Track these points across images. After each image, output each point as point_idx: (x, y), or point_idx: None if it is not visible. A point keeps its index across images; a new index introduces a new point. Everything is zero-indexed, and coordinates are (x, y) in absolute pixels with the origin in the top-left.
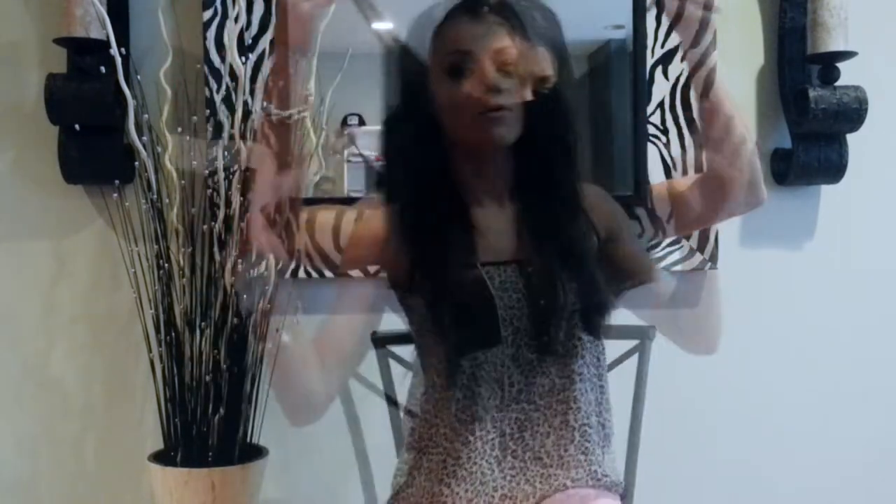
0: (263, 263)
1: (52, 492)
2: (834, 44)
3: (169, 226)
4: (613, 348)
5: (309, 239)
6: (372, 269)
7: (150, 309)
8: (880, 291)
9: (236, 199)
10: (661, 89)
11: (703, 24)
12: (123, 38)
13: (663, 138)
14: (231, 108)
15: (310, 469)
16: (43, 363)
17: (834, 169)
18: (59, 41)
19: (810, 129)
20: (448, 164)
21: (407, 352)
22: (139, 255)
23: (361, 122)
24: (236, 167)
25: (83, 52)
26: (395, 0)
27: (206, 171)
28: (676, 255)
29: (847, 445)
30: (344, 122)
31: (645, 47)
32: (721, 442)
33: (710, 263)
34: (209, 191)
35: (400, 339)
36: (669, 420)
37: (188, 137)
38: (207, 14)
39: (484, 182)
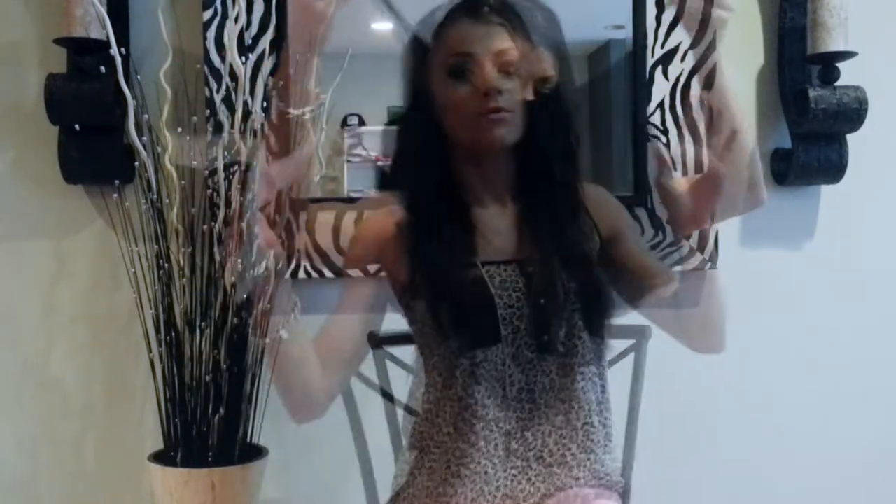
0: (263, 263)
1: (52, 492)
2: (834, 44)
3: (169, 226)
4: (609, 347)
5: (309, 238)
6: (372, 268)
7: (150, 309)
8: (880, 291)
9: (236, 199)
10: (661, 89)
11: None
12: (123, 38)
13: (663, 138)
14: (231, 108)
15: (310, 469)
16: (43, 363)
17: (834, 169)
18: (59, 41)
19: (810, 129)
20: (450, 165)
21: (402, 352)
22: (139, 255)
23: (361, 122)
24: (236, 167)
25: (83, 52)
26: (396, 0)
27: (206, 171)
28: (676, 256)
29: (847, 445)
30: (344, 123)
31: (645, 47)
32: (721, 442)
33: (709, 263)
34: (209, 191)
35: (396, 339)
36: (669, 420)
37: (188, 137)
38: (207, 14)
39: (485, 182)
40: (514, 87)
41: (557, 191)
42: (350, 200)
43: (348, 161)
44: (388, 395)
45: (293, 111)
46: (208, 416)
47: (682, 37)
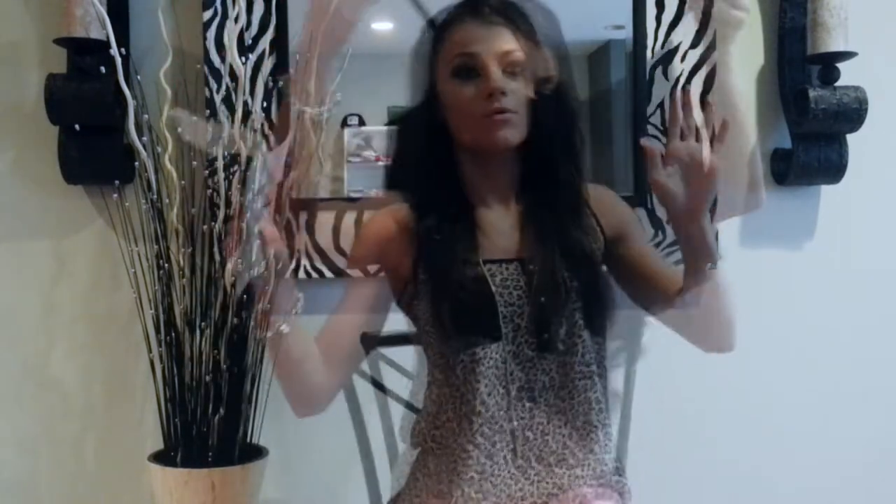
0: (263, 263)
1: (52, 492)
2: (834, 44)
3: (169, 226)
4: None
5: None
6: (373, 268)
7: (150, 309)
8: (880, 291)
9: (236, 199)
10: (661, 89)
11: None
12: (123, 38)
13: (663, 139)
14: (231, 108)
15: (310, 469)
16: (43, 363)
17: (834, 169)
18: (59, 41)
19: (810, 129)
20: (454, 164)
21: (394, 353)
22: (139, 255)
23: (361, 123)
24: (236, 167)
25: (83, 52)
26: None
27: (206, 172)
28: (677, 255)
29: (847, 445)
30: (344, 123)
31: (645, 47)
32: (721, 441)
33: (709, 263)
34: (209, 191)
35: (390, 340)
36: (669, 420)
37: (188, 137)
38: (207, 14)
39: (490, 182)
40: (518, 88)
41: (561, 190)
42: (350, 200)
43: (349, 161)
44: (379, 386)
45: (310, 110)
46: (208, 416)
47: (682, 37)
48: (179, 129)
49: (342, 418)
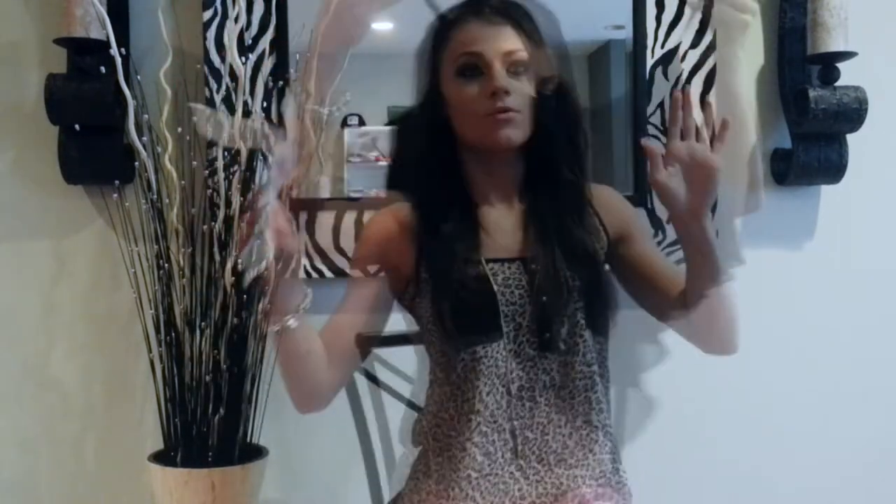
0: (263, 263)
1: (52, 492)
2: (834, 44)
3: (169, 226)
4: None
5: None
6: (374, 268)
7: (150, 309)
8: (880, 291)
9: (236, 199)
10: (661, 89)
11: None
12: (123, 38)
13: (663, 138)
14: (231, 108)
15: (310, 469)
16: (43, 363)
17: (834, 169)
18: (59, 41)
19: (810, 129)
20: (458, 163)
21: (392, 353)
22: (139, 255)
23: (361, 123)
24: (236, 167)
25: (83, 52)
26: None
27: (206, 172)
28: (678, 255)
29: (847, 445)
30: (344, 123)
31: (645, 47)
32: (721, 442)
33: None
34: (209, 191)
35: (390, 340)
36: (669, 420)
37: (188, 137)
38: (207, 14)
39: (493, 181)
40: (522, 87)
41: (564, 190)
42: (351, 200)
43: (349, 161)
44: (372, 378)
45: (321, 109)
46: (208, 416)
47: (682, 37)
48: (195, 119)
49: (342, 418)
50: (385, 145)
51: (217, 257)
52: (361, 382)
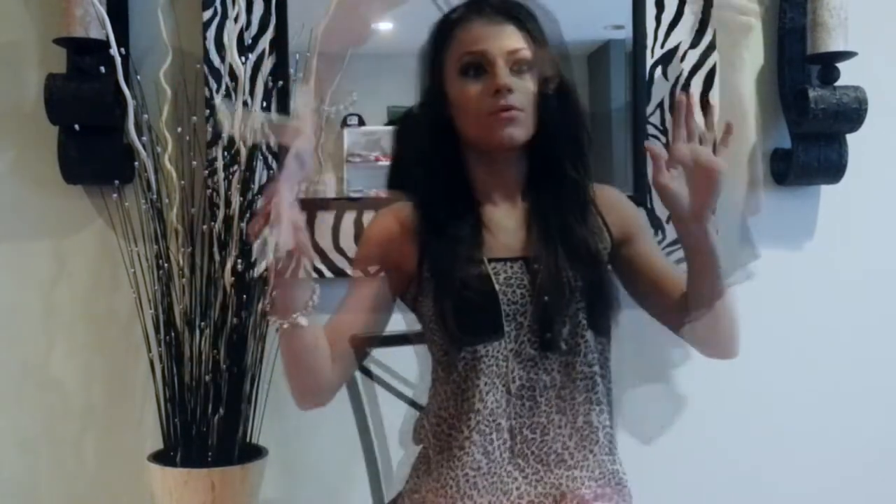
0: (263, 264)
1: (52, 492)
2: (834, 44)
3: (169, 226)
4: None
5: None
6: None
7: (150, 309)
8: (880, 291)
9: (236, 199)
10: (660, 89)
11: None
12: (123, 38)
13: (663, 138)
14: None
15: (310, 469)
16: (43, 363)
17: (834, 169)
18: (59, 41)
19: (810, 129)
20: (461, 163)
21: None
22: (139, 255)
23: (361, 123)
24: (236, 167)
25: (83, 52)
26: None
27: (206, 171)
28: (677, 255)
29: (847, 445)
30: (344, 123)
31: (644, 47)
32: (721, 441)
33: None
34: (209, 191)
35: (389, 341)
36: (668, 420)
37: (188, 137)
38: (207, 14)
39: (496, 180)
40: (525, 86)
41: (567, 189)
42: (350, 200)
43: (349, 161)
44: (366, 371)
45: (327, 108)
46: (208, 415)
47: (681, 36)
48: (219, 116)
49: (342, 418)
50: (388, 145)
51: (217, 257)
52: (362, 382)
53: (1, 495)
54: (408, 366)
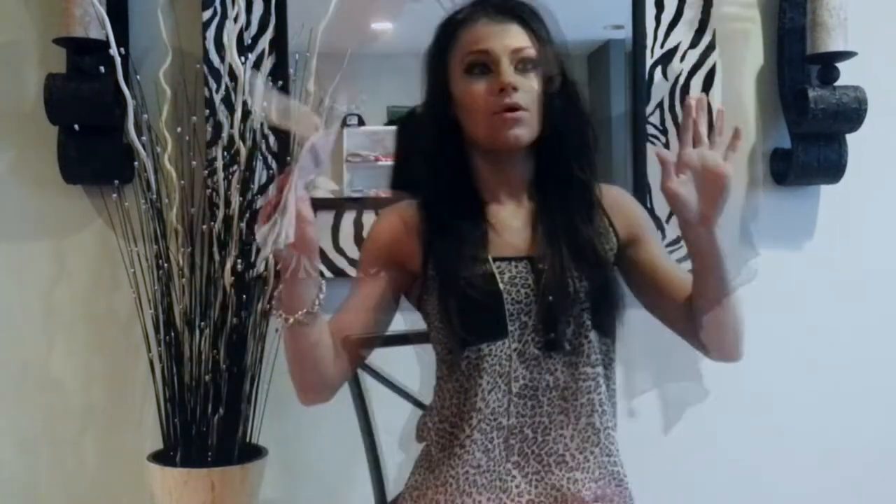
0: (262, 264)
1: (52, 492)
2: (833, 44)
3: (168, 226)
4: None
5: None
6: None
7: (150, 309)
8: (880, 291)
9: (235, 199)
10: (660, 89)
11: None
12: (123, 38)
13: (662, 138)
14: (230, 108)
15: (310, 469)
16: (43, 363)
17: (833, 169)
18: (59, 41)
19: (810, 129)
20: (466, 162)
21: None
22: (139, 255)
23: (361, 123)
24: (235, 167)
25: (83, 52)
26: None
27: (206, 171)
28: (677, 255)
29: (847, 445)
30: (343, 123)
31: (644, 47)
32: (721, 442)
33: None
34: (209, 191)
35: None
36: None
37: (188, 137)
38: (207, 14)
39: (501, 179)
40: (530, 85)
41: (573, 189)
42: (351, 200)
43: (348, 161)
44: (368, 370)
45: (338, 107)
46: (208, 415)
47: (681, 36)
48: (250, 93)
49: (341, 418)
50: (361, 143)
51: (216, 257)
52: (363, 383)
53: (1, 495)
54: (408, 366)
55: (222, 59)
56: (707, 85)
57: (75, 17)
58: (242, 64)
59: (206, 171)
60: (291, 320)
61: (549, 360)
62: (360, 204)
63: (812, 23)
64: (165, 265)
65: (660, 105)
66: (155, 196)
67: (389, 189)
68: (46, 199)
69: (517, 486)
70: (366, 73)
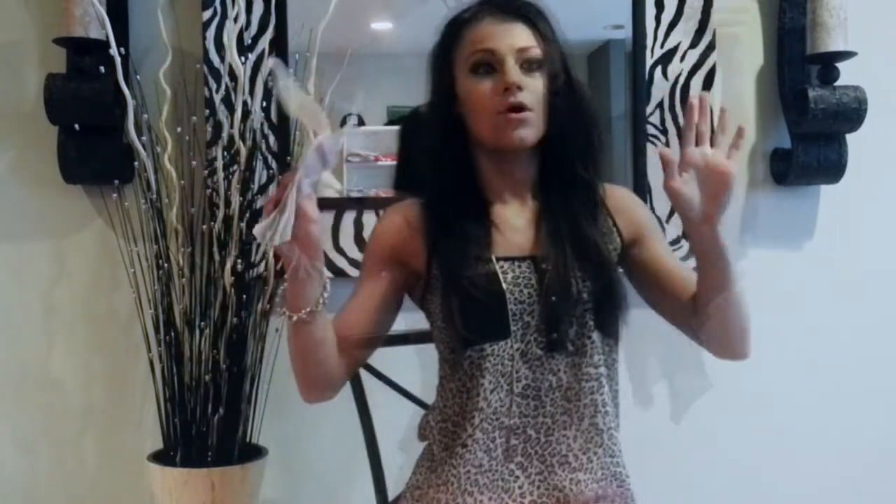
0: (262, 264)
1: (52, 492)
2: (833, 44)
3: (168, 226)
4: None
5: None
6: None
7: (150, 309)
8: (880, 291)
9: (235, 199)
10: (660, 89)
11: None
12: (123, 38)
13: (662, 138)
14: (230, 108)
15: (310, 469)
16: (43, 363)
17: (833, 169)
18: (59, 41)
19: (810, 129)
20: (470, 161)
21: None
22: (139, 255)
23: (361, 122)
24: (235, 167)
25: (83, 52)
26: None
27: (206, 171)
28: (678, 255)
29: (847, 445)
30: (343, 122)
31: (644, 47)
32: (721, 442)
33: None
34: (208, 190)
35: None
36: (670, 421)
37: (188, 137)
38: (207, 14)
39: (506, 179)
40: (535, 85)
41: (577, 189)
42: (350, 200)
43: (348, 161)
44: (370, 370)
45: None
46: (208, 415)
47: (681, 36)
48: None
49: (342, 418)
50: (360, 143)
51: (216, 257)
52: (364, 383)
53: (1, 495)
54: (408, 366)
55: (222, 59)
56: (707, 85)
57: (75, 17)
58: (242, 64)
59: (206, 171)
60: (295, 318)
61: (551, 360)
62: (360, 204)
63: (812, 23)
64: (165, 265)
65: (660, 105)
66: (155, 196)
67: (393, 189)
68: (46, 199)
69: (520, 487)
70: (366, 73)
